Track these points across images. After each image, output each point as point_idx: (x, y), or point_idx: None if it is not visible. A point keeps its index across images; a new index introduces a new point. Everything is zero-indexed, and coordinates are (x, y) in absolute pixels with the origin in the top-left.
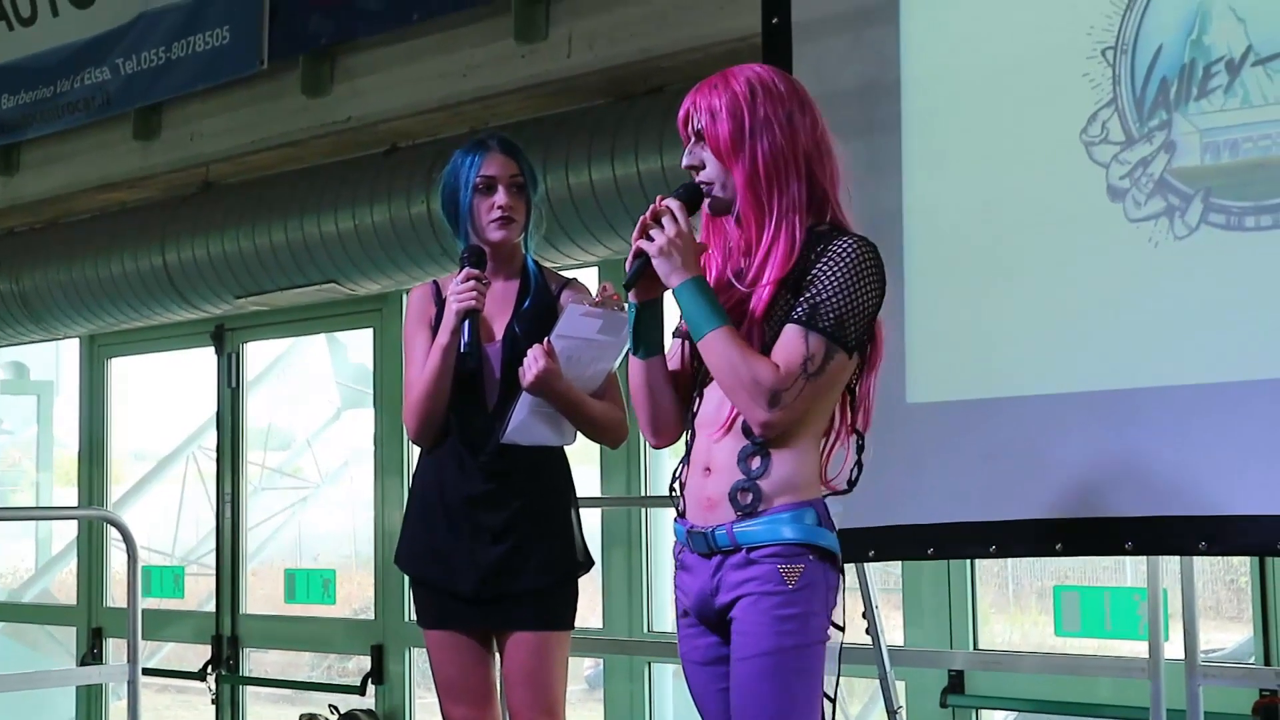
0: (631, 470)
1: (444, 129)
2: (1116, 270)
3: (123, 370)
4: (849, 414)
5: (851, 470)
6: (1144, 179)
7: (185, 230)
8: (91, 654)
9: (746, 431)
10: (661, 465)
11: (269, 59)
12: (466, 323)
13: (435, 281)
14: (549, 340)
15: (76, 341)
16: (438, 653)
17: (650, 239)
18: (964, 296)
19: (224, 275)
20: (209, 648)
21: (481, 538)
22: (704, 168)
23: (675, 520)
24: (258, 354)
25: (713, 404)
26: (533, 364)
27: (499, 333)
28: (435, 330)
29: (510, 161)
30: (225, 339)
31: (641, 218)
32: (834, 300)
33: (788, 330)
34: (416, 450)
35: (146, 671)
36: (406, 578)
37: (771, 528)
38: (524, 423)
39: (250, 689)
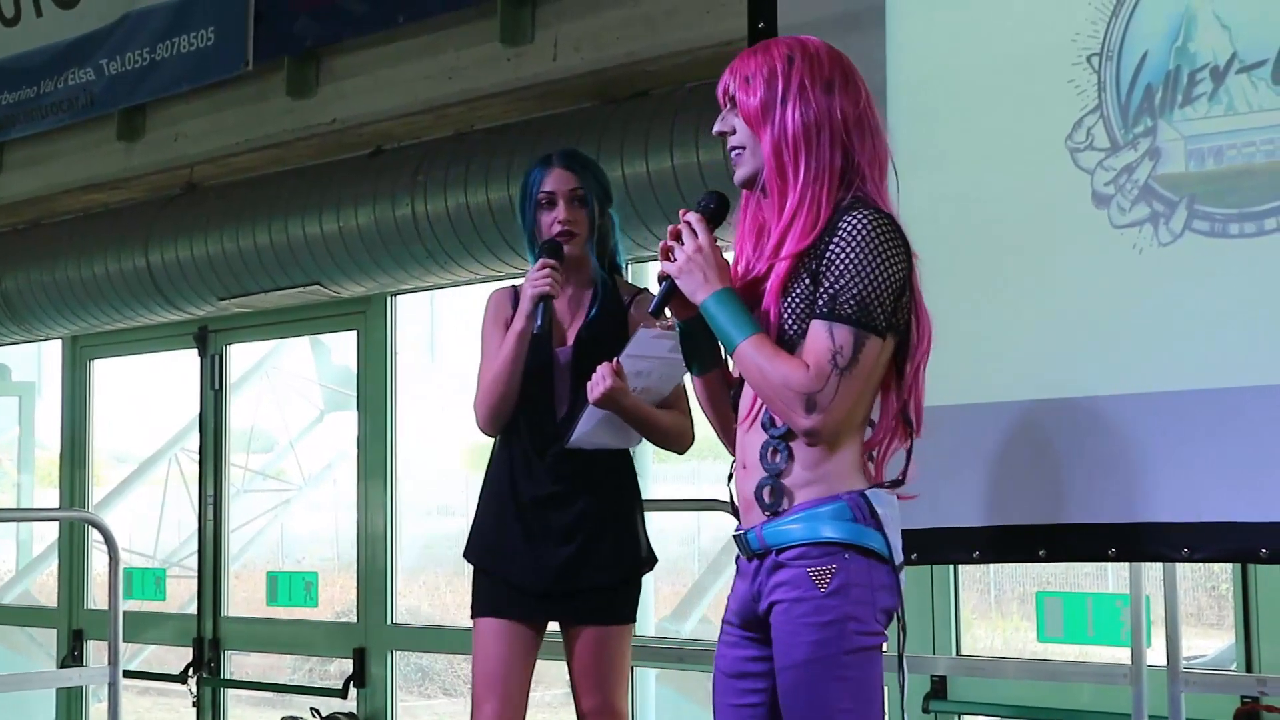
0: None
1: (429, 131)
2: (1100, 277)
3: (105, 372)
4: (897, 404)
5: (902, 464)
6: (1129, 185)
7: (169, 232)
8: (72, 656)
9: (766, 425)
10: (647, 470)
11: (254, 60)
12: (540, 306)
13: (515, 287)
14: (618, 360)
15: (59, 343)
16: (485, 641)
17: (673, 259)
18: (947, 302)
19: (207, 277)
20: (190, 650)
21: (551, 537)
22: (734, 133)
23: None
24: (241, 356)
25: (747, 396)
26: (600, 381)
27: (570, 338)
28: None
29: (570, 175)
30: (208, 341)
31: (662, 242)
32: (853, 284)
33: (812, 327)
34: (401, 453)
35: (127, 674)
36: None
37: (795, 527)
38: (590, 430)
39: (231, 692)
